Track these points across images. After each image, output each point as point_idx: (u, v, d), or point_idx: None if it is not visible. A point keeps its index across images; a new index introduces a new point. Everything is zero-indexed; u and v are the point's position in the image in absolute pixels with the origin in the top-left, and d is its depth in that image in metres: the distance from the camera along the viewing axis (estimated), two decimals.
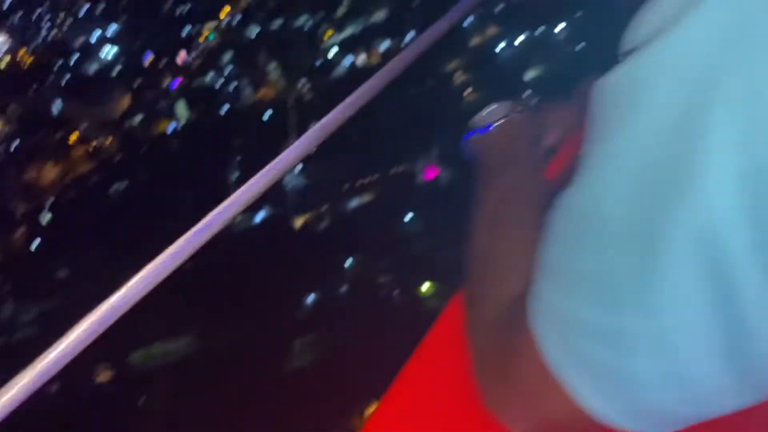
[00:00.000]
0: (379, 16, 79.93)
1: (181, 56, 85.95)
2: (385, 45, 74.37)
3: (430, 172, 61.19)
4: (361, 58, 74.88)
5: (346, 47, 76.99)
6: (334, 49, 77.90)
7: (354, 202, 59.51)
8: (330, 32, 79.11)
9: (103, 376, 44.85)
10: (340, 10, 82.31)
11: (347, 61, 76.12)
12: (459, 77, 66.05)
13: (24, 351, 50.21)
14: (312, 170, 62.56)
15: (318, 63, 75.76)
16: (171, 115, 76.09)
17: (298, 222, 58.49)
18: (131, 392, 46.34)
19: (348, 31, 79.56)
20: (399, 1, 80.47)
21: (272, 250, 49.24)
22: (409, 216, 55.14)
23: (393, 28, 75.72)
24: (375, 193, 60.78)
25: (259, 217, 59.75)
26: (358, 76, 71.62)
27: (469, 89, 65.17)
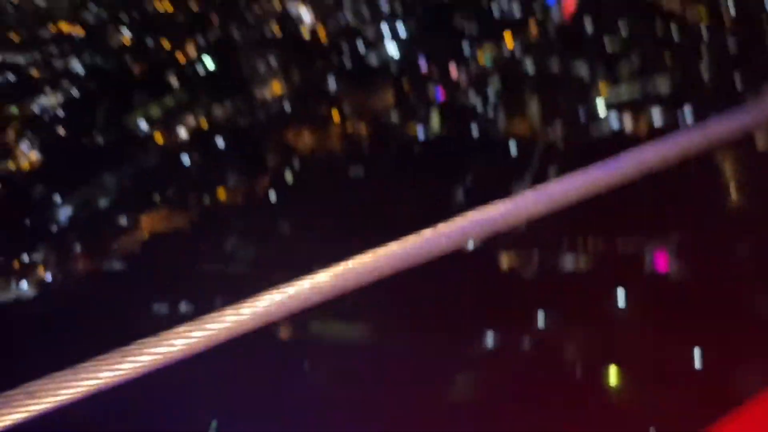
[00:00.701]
0: (662, 85, 75.10)
1: (453, 70, 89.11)
2: (659, 117, 69.62)
3: (660, 261, 55.73)
4: (629, 123, 71.02)
5: (617, 107, 73.60)
6: (603, 105, 74.98)
7: (568, 261, 56.55)
8: (605, 87, 76.24)
9: (283, 332, 48.36)
10: (623, 69, 78.80)
11: (614, 121, 72.78)
12: (729, 171, 59.52)
13: (234, 284, 55.92)
14: None
15: (582, 114, 73.54)
16: (425, 121, 79.50)
17: (505, 260, 57.27)
18: (299, 352, 49.34)
19: (624, 92, 75.97)
20: (687, 75, 74.90)
21: (471, 276, 48.76)
22: (621, 295, 50.61)
23: (673, 102, 70.64)
24: (593, 259, 57.09)
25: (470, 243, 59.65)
26: (621, 139, 67.97)
27: (736, 188, 58.41)
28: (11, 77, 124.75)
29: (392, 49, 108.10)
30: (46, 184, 78.61)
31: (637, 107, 70.88)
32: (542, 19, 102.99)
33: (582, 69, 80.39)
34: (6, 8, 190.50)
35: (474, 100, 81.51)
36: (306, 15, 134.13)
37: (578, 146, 67.34)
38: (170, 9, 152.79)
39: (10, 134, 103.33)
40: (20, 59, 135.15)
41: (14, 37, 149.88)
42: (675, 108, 68.62)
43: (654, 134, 67.46)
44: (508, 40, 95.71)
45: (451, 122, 78.00)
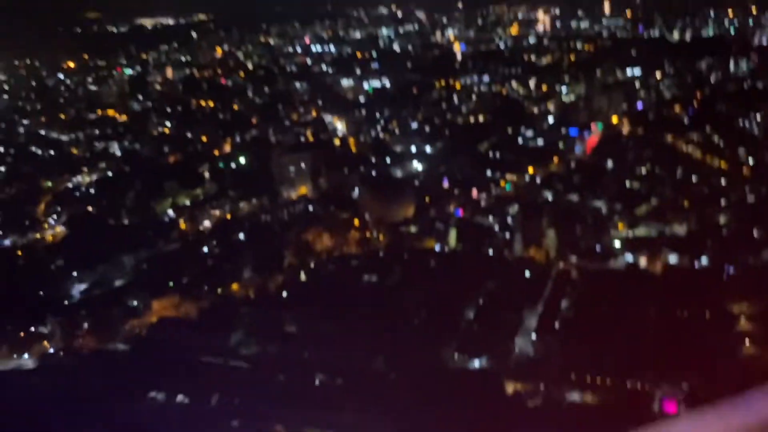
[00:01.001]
0: (679, 228, 76.12)
1: (474, 193, 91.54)
2: (674, 259, 70.04)
3: (669, 404, 54.00)
4: (643, 261, 71.51)
5: (632, 245, 74.35)
6: (619, 242, 75.85)
7: (574, 396, 54.90)
8: (622, 225, 77.44)
9: None
10: (641, 209, 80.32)
11: (628, 257, 73.29)
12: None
13: (233, 381, 55.21)
14: (547, 342, 59.97)
15: (597, 248, 74.31)
16: (442, 237, 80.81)
17: (510, 386, 55.97)
18: None
19: (641, 231, 77.00)
20: (703, 220, 75.87)
21: (478, 401, 47.78)
22: None
23: (689, 245, 71.28)
24: (600, 397, 55.46)
25: (476, 363, 58.80)
26: (634, 276, 68.16)
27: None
28: (52, 153, 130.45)
29: (417, 165, 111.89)
30: (66, 259, 79.96)
31: (652, 246, 71.63)
32: (565, 151, 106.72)
33: (600, 204, 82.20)
34: (60, 90, 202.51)
35: (492, 222, 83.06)
36: (339, 126, 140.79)
37: (592, 277, 67.58)
38: (213, 104, 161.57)
39: (41, 207, 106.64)
40: (64, 137, 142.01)
41: (62, 116, 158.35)
42: (691, 250, 69.19)
43: (669, 273, 67.69)
44: (531, 169, 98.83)
45: (468, 240, 79.12)
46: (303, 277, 75.23)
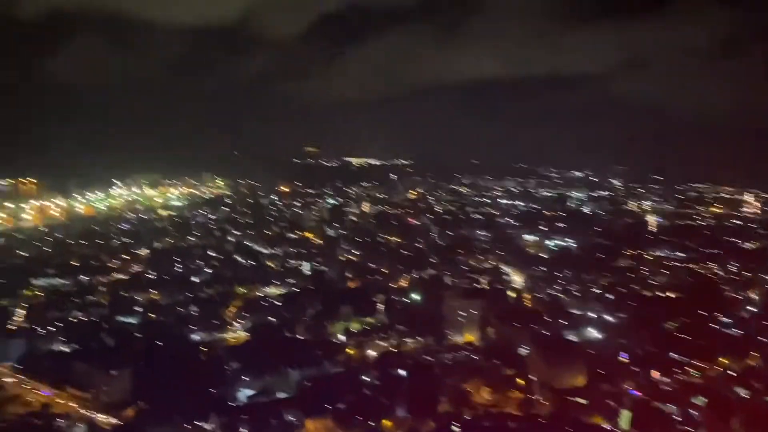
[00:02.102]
0: None
1: (655, 374, 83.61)
2: None
3: None
4: None
5: None
6: None
7: None
8: None
9: None
10: None
11: None
12: None
13: None
14: None
15: None
16: (613, 416, 73.91)
17: None
18: None
19: None
20: None
21: None
22: None
23: None
24: None
25: None
26: None
27: None
28: (252, 263, 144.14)
29: (595, 333, 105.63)
30: (242, 363, 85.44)
31: None
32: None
33: None
34: (270, 209, 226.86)
35: (673, 410, 74.55)
36: (516, 278, 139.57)
37: None
38: (399, 240, 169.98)
39: (231, 310, 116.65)
40: (264, 251, 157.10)
41: (267, 232, 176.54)
42: None
43: None
44: (724, 360, 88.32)
45: (643, 427, 71.47)
46: (455, 427, 72.47)
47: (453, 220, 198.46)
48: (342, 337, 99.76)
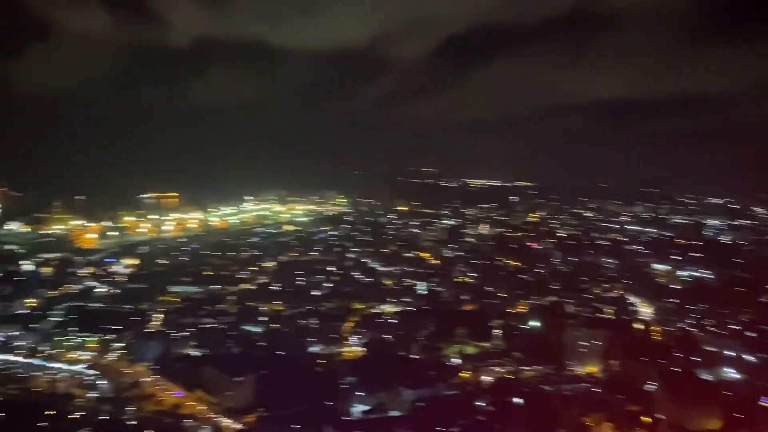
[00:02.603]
0: None
1: None
2: None
3: None
4: None
5: None
6: None
7: None
8: None
9: None
10: None
11: None
12: None
13: None
14: None
15: None
16: None
17: None
18: None
19: None
20: None
21: None
22: None
23: None
24: None
25: None
26: None
27: None
28: (369, 280, 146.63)
29: (732, 373, 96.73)
30: (357, 378, 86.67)
31: None
32: None
33: None
34: (388, 228, 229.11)
35: None
36: (644, 309, 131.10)
37: None
38: (518, 264, 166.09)
39: (348, 325, 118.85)
40: (381, 268, 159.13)
41: (385, 250, 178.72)
42: None
43: None
44: None
45: None
46: None
47: (577, 246, 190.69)
48: (456, 360, 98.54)
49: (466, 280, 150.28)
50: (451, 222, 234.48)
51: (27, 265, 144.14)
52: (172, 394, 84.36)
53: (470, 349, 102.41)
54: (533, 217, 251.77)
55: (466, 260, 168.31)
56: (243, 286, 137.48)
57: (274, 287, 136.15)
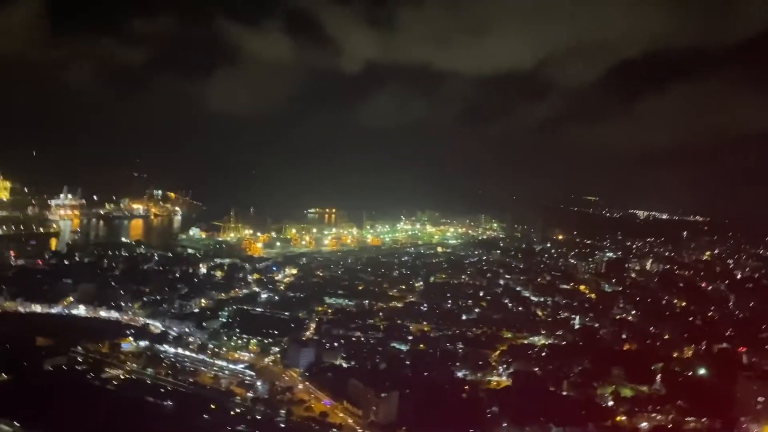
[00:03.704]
0: None
1: None
2: None
3: None
4: None
5: None
6: None
7: None
8: None
9: None
10: None
11: None
12: None
13: None
14: None
15: None
16: None
17: None
18: None
19: None
20: None
21: None
22: None
23: None
24: None
25: None
26: None
27: None
28: (519, 309, 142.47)
29: None
30: (502, 409, 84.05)
31: None
32: None
33: None
34: (543, 257, 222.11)
35: None
36: None
37: None
38: (686, 305, 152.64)
39: (496, 353, 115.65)
40: (534, 298, 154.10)
41: (539, 280, 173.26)
42: None
43: None
44: None
45: None
46: None
47: (756, 289, 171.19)
48: (610, 402, 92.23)
49: (627, 317, 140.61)
50: (613, 255, 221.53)
51: (203, 269, 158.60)
52: (321, 401, 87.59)
53: (627, 392, 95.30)
54: (705, 255, 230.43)
55: (627, 296, 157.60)
56: (392, 303, 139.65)
57: (423, 307, 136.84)
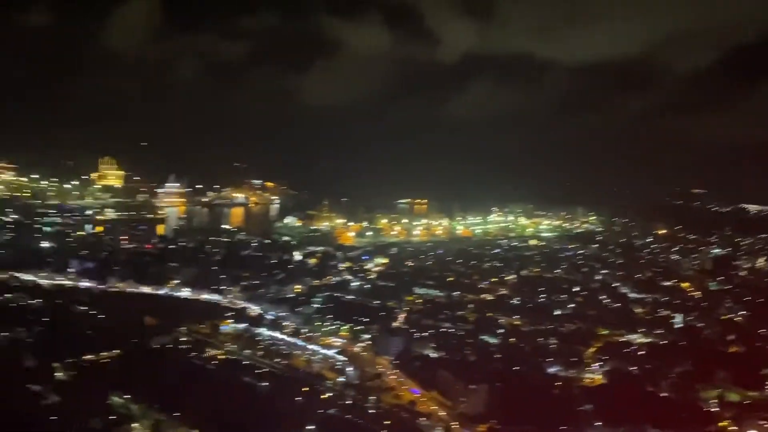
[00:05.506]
0: None
1: None
2: None
3: None
4: None
5: None
6: None
7: None
8: None
9: None
10: None
11: None
12: None
13: None
14: None
15: None
16: None
17: None
18: None
19: None
20: None
21: None
22: None
23: None
24: None
25: None
26: None
27: None
28: (617, 305, 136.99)
29: None
30: (596, 408, 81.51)
31: None
32: None
33: None
34: (643, 251, 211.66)
35: None
36: None
37: None
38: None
39: (591, 350, 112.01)
40: (632, 295, 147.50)
41: (638, 276, 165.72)
42: None
43: None
44: None
45: None
46: None
47: None
48: (715, 407, 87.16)
49: (734, 318, 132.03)
50: (721, 251, 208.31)
51: (297, 256, 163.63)
52: (409, 390, 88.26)
53: (733, 396, 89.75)
54: None
55: (735, 296, 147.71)
56: (483, 296, 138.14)
57: (514, 301, 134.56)
